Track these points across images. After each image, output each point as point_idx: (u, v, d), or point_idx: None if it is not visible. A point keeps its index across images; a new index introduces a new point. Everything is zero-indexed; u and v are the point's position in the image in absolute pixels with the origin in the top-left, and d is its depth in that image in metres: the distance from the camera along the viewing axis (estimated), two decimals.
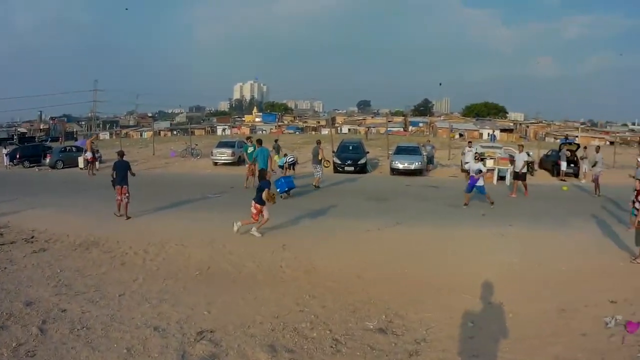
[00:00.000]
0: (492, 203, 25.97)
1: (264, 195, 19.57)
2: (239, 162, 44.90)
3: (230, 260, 17.01)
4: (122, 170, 22.98)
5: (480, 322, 12.40)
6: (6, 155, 55.37)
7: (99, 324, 11.90)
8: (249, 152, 31.65)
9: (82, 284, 14.75)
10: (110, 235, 19.55)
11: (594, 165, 31.63)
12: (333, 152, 44.64)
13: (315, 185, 32.24)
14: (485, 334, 11.74)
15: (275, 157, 36.79)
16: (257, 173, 28.19)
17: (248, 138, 35.27)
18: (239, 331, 11.63)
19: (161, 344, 11.00)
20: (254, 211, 19.68)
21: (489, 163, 37.28)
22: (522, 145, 32.04)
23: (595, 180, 31.06)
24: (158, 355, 10.49)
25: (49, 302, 13.31)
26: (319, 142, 33.09)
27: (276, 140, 45.68)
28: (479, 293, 14.14)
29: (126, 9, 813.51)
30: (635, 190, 16.95)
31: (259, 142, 30.33)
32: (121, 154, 24.37)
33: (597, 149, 35.27)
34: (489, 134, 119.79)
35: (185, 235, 19.38)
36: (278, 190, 27.76)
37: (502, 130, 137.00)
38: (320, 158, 32.51)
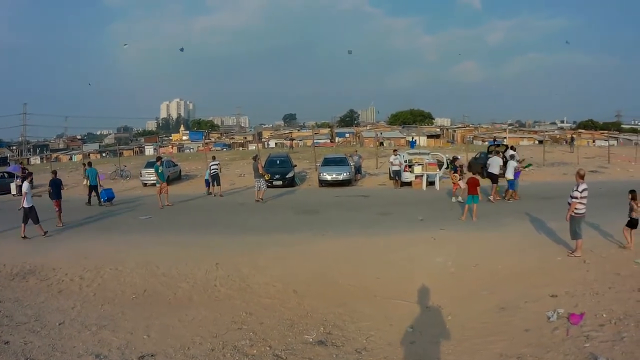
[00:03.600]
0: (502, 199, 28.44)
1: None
2: (168, 181, 43.89)
3: (164, 282, 16.93)
4: (56, 187, 26.98)
5: (419, 326, 12.56)
6: None
7: (41, 354, 11.66)
8: (159, 172, 32.17)
9: (22, 315, 14.43)
10: (46, 262, 19.16)
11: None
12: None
13: (258, 199, 32.21)
14: (426, 338, 11.88)
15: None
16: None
17: (158, 159, 35.08)
18: (179, 353, 11.59)
19: None
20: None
21: (417, 169, 37.48)
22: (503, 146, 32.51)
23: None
24: None
25: None
26: (256, 158, 33.01)
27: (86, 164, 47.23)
28: (415, 298, 14.36)
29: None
30: None
31: (89, 164, 36.06)
32: (54, 172, 28.80)
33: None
34: (408, 140, 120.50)
35: (120, 259, 19.04)
36: (102, 199, 32.97)
37: (429, 136, 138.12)
38: (261, 172, 32.44)
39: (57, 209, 26.24)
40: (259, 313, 13.90)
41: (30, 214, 22.87)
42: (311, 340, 12.09)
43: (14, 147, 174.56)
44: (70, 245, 21.34)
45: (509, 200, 28.73)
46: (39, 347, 12.00)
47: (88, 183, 34.12)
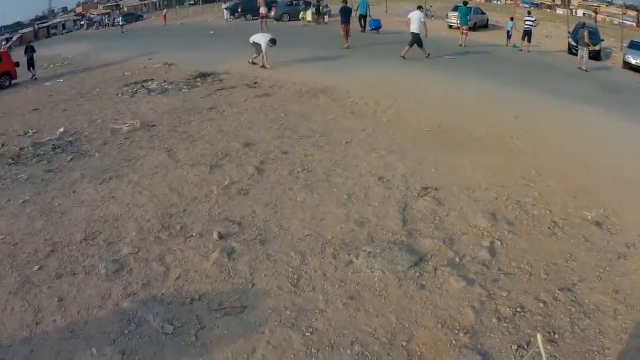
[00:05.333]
0: None
1: None
2: (474, 27, 45.04)
3: (461, 121, 16.82)
4: (346, 14, 31.35)
5: None
6: (226, 10, 59.66)
7: (320, 168, 12.31)
8: (464, 15, 34.41)
9: (307, 129, 15.14)
10: (339, 84, 19.86)
11: None
12: (568, 32, 43.35)
13: (580, 67, 31.29)
14: None
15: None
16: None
17: (465, 3, 35.82)
18: (463, 193, 11.62)
19: (384, 194, 11.21)
20: None
21: None
22: None
23: None
24: (379, 205, 10.69)
25: (270, 144, 13.82)
26: (583, 25, 32.35)
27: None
28: None
29: None
30: None
31: None
32: (345, 1, 32.51)
33: None
34: None
35: (419, 92, 19.36)
36: (370, 28, 39.23)
37: None
38: (586, 42, 31.48)
39: (343, 33, 30.95)
40: (547, 175, 13.44)
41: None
42: (589, 218, 11.54)
43: None
44: (367, 74, 22.01)
45: None
46: (319, 161, 12.75)
47: (358, 13, 38.84)
